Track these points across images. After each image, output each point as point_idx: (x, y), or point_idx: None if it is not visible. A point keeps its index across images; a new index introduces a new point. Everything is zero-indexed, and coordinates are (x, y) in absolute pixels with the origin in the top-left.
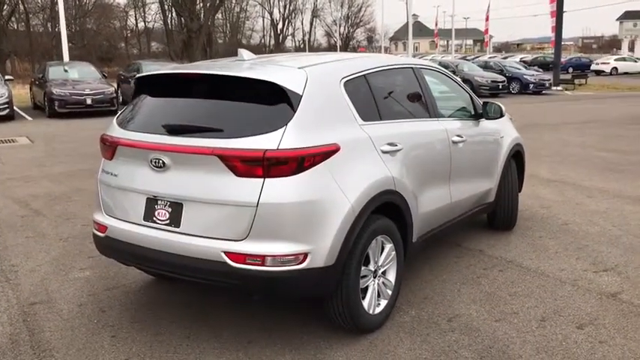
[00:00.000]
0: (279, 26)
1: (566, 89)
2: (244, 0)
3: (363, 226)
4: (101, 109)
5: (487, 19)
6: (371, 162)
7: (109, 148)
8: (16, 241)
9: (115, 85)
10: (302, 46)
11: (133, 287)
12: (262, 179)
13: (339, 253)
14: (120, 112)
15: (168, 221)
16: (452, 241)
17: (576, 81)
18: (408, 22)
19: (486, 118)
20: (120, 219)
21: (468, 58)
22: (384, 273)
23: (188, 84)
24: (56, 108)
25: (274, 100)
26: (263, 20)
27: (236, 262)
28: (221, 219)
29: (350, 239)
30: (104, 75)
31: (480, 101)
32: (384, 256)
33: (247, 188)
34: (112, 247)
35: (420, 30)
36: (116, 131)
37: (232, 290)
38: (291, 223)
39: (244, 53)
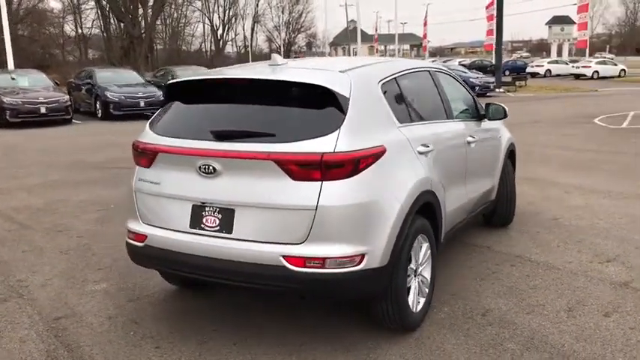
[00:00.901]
0: (220, 32)
1: (508, 91)
2: (184, 5)
3: (409, 226)
4: (56, 117)
5: (425, 24)
6: (411, 163)
7: (147, 155)
8: (14, 256)
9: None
10: (243, 51)
11: (157, 297)
12: (320, 182)
13: (391, 253)
14: (152, 119)
15: (218, 228)
16: (458, 239)
17: (517, 83)
18: (357, 28)
19: (489, 119)
20: (162, 227)
21: None
22: (422, 271)
23: (230, 89)
24: (8, 117)
25: (323, 104)
26: (203, 26)
27: (295, 266)
28: (278, 223)
29: (400, 239)
30: (56, 83)
31: (480, 102)
32: (422, 255)
33: (305, 192)
34: (152, 256)
35: (360, 35)
36: (154, 138)
37: (268, 293)
38: (349, 225)
39: (278, 58)
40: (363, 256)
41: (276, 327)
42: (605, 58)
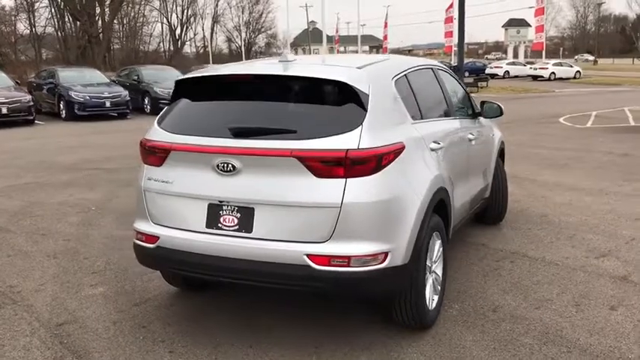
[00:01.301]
0: (178, 32)
1: (471, 92)
2: (142, 4)
3: (428, 223)
4: (17, 118)
5: (385, 26)
6: (426, 160)
7: (158, 153)
8: (0, 261)
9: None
10: (202, 51)
11: (162, 301)
12: (344, 179)
13: (412, 250)
14: (160, 116)
15: (237, 227)
16: (454, 237)
17: (479, 84)
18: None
19: (484, 117)
20: (176, 228)
21: None
22: (435, 269)
23: (247, 85)
24: None
25: (344, 100)
26: (162, 26)
27: (320, 265)
28: (301, 221)
29: (420, 236)
30: (17, 82)
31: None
32: (435, 252)
33: (330, 189)
34: (165, 257)
35: (319, 36)
36: (165, 136)
37: (280, 292)
38: (373, 223)
39: (289, 55)
40: (386, 254)
41: (289, 328)
42: (587, 59)
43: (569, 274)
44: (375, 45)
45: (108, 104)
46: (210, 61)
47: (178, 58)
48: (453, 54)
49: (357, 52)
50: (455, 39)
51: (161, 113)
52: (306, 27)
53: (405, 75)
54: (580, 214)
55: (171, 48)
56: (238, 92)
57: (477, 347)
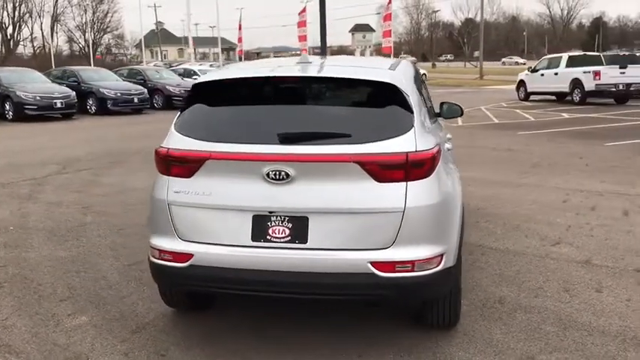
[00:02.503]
0: (9, 31)
1: None
2: None
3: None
4: None
5: (240, 28)
6: (449, 161)
7: (189, 164)
8: None
9: None
10: (39, 52)
11: (163, 324)
12: (405, 183)
13: (458, 251)
14: (180, 123)
15: (289, 238)
16: None
17: None
18: (190, 29)
19: (444, 118)
20: (213, 243)
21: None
22: None
23: (285, 88)
24: None
25: (389, 101)
26: None
27: (384, 272)
28: (363, 228)
29: (462, 237)
30: None
31: None
32: None
33: (392, 193)
34: (200, 277)
35: (168, 37)
36: (197, 144)
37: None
38: (432, 225)
39: (308, 56)
40: (442, 256)
41: (322, 339)
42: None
43: (538, 262)
44: (225, 47)
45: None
46: (53, 64)
47: (12, 60)
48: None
49: (208, 54)
50: (309, 42)
51: (179, 120)
52: (154, 28)
53: (414, 78)
54: (510, 206)
55: (2, 49)
56: (278, 95)
57: (509, 339)
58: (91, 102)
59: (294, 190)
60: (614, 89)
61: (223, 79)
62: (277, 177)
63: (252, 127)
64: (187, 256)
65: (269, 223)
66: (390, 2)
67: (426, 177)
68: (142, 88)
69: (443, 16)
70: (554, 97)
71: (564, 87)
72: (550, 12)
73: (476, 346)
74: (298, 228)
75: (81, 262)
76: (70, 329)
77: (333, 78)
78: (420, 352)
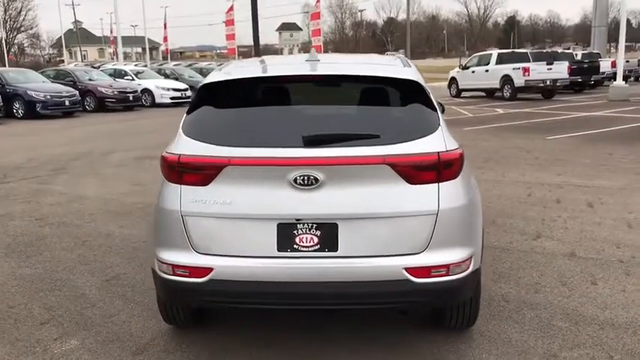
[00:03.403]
0: None
1: None
2: None
3: None
4: None
5: (165, 27)
6: None
7: (205, 170)
8: None
9: None
10: None
11: (165, 344)
12: (437, 184)
13: (482, 252)
14: (188, 127)
15: (317, 246)
16: None
17: None
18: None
19: None
20: (236, 255)
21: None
22: None
23: (304, 88)
24: None
25: (411, 99)
26: None
27: (420, 277)
28: (395, 233)
29: (484, 237)
30: None
31: None
32: None
33: (425, 195)
34: (221, 292)
35: (87, 37)
36: (213, 150)
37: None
38: (463, 227)
39: (317, 54)
40: (471, 258)
41: (340, 349)
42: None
43: (526, 257)
44: (150, 47)
45: None
46: None
47: None
48: (237, 55)
49: (130, 53)
50: (237, 41)
51: (186, 124)
52: (72, 27)
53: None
54: (496, 203)
55: None
56: (298, 95)
57: (526, 338)
58: (17, 105)
59: (323, 195)
60: (542, 85)
61: (238, 79)
62: (306, 182)
63: (273, 129)
64: (206, 270)
65: (295, 232)
66: (318, 1)
67: (455, 177)
68: (73, 90)
69: (366, 15)
70: (484, 94)
71: (495, 83)
72: (468, 11)
73: (497, 347)
74: (327, 235)
75: (51, 279)
76: (61, 355)
77: (357, 76)
78: (443, 356)
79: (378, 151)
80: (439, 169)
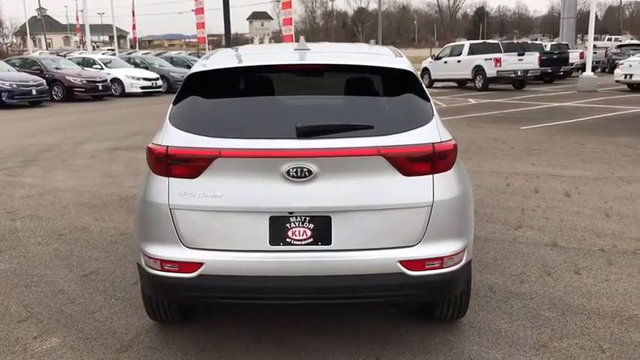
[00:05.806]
0: None
1: None
2: None
3: None
4: None
5: (133, 14)
6: None
7: (194, 162)
8: None
9: None
10: None
11: (150, 340)
12: (431, 175)
13: (473, 244)
14: (175, 117)
15: (311, 240)
16: None
17: None
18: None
19: None
20: (226, 250)
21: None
22: None
23: (296, 77)
24: None
25: (405, 89)
26: None
27: (414, 270)
28: (389, 225)
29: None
30: None
31: None
32: None
33: (420, 187)
34: (211, 287)
35: (51, 24)
36: (203, 141)
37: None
38: (457, 219)
39: (307, 44)
40: (464, 250)
41: (333, 343)
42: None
43: (510, 247)
44: (112, 35)
45: None
46: None
47: None
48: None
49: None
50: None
51: (173, 114)
52: (35, 15)
53: None
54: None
55: None
56: (289, 85)
57: (515, 328)
58: None
59: (316, 187)
60: (513, 75)
61: (229, 68)
62: (299, 174)
63: (264, 120)
64: (196, 265)
65: (288, 225)
66: None
67: (449, 169)
68: (40, 79)
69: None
70: (455, 84)
71: (467, 74)
72: (438, 2)
73: (487, 338)
74: (320, 228)
75: (27, 274)
76: (42, 354)
77: (350, 66)
78: (435, 348)
79: (372, 142)
80: (434, 161)
